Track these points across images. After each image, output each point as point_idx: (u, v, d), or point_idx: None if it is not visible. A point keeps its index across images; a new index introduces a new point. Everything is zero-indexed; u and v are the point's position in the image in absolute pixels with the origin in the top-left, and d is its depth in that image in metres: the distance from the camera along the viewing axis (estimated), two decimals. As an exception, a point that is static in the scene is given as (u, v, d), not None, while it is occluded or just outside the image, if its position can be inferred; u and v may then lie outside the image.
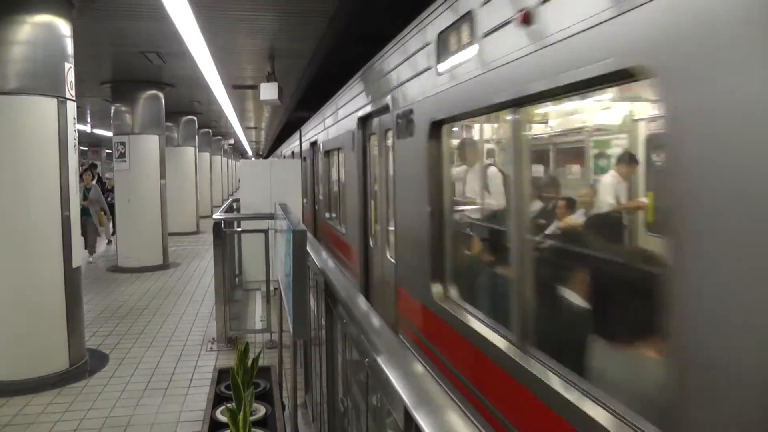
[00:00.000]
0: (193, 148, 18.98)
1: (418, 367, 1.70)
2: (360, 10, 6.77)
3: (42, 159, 5.85)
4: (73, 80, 6.14)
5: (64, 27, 6.07)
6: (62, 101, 5.95)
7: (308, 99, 13.58)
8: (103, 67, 11.02)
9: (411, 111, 4.21)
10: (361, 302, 2.53)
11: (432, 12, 3.84)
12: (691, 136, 1.70)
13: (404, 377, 1.62)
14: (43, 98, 5.83)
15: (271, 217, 6.82)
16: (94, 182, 14.11)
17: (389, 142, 5.08)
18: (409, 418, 1.44)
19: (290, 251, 3.22)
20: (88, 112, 18.39)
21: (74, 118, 6.16)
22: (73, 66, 6.16)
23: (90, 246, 12.85)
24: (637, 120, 2.64)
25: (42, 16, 5.89)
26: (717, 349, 1.62)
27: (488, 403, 3.09)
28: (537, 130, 3.06)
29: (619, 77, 2.03)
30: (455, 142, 4.12)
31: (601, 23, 2.05)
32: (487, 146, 3.87)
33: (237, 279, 9.22)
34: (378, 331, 2.06)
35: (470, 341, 3.32)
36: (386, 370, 1.70)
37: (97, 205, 13.17)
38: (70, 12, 6.19)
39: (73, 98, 6.14)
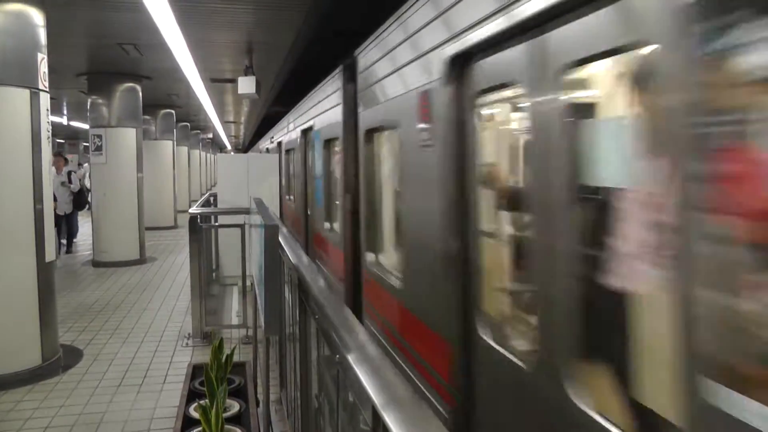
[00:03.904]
0: (171, 142, 18.76)
1: (388, 366, 1.68)
2: (336, 4, 6.77)
3: (14, 151, 5.73)
4: (46, 71, 6.02)
5: (36, 16, 5.95)
6: (35, 92, 5.83)
7: (287, 92, 13.52)
8: (79, 58, 10.83)
9: (320, 131, 7.35)
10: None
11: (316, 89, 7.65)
12: None
13: (373, 375, 1.60)
14: (15, 89, 5.71)
15: (247, 211, 6.80)
16: None
17: (314, 146, 7.95)
18: (377, 416, 1.42)
19: (262, 246, 3.19)
20: (65, 104, 18.11)
21: (47, 110, 6.05)
22: (46, 57, 6.04)
23: None
24: None
25: (12, 4, 5.76)
26: None
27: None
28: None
29: None
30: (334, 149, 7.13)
31: None
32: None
33: (214, 274, 9.15)
34: (348, 328, 2.03)
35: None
36: (356, 368, 1.68)
37: None
38: (42, 1, 6.07)
39: (47, 89, 6.03)
